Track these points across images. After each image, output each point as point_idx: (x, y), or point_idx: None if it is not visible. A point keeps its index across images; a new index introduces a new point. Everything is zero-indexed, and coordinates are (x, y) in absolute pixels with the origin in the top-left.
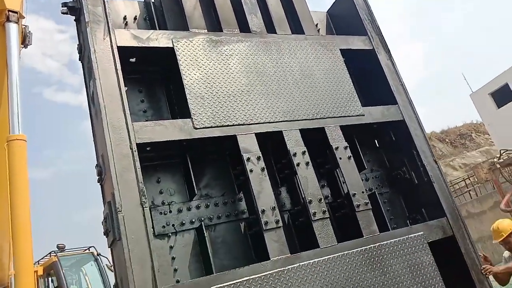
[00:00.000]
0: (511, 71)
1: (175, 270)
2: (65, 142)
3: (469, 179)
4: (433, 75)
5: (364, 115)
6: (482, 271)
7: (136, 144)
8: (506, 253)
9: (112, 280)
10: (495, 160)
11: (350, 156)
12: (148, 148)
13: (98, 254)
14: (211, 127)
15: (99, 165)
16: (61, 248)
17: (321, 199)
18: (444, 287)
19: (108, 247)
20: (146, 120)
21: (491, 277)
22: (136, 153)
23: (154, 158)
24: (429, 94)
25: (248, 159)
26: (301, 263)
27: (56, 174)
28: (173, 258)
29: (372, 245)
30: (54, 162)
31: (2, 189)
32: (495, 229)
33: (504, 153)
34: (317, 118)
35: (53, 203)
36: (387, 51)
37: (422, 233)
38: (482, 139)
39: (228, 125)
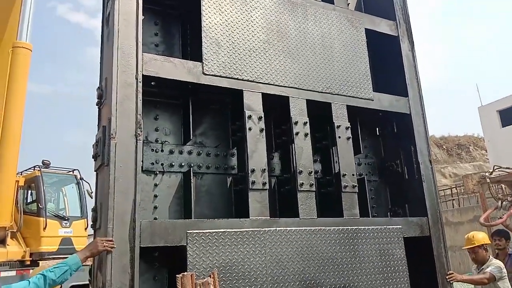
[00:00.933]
0: None
1: (155, 207)
2: (70, 64)
3: (456, 189)
4: (448, 80)
5: (373, 100)
6: (447, 278)
7: (142, 75)
8: (475, 266)
9: (90, 206)
10: (487, 174)
11: (350, 137)
12: (152, 83)
13: (81, 178)
14: (220, 76)
15: (101, 88)
16: (46, 164)
17: (311, 172)
18: (408, 282)
19: (94, 171)
20: (157, 54)
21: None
22: (140, 84)
23: (157, 95)
24: (438, 97)
25: (250, 117)
26: (278, 228)
27: (54, 93)
28: (155, 196)
29: (350, 227)
30: (54, 80)
31: None
32: (469, 237)
33: (497, 170)
34: (326, 93)
35: (45, 120)
36: (411, 41)
37: (400, 227)
38: (479, 153)
39: (237, 79)
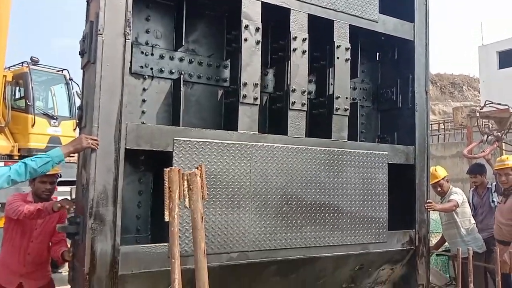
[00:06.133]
0: None
1: (143, 112)
2: None
3: (444, 124)
4: (456, 15)
5: (377, 22)
6: (426, 206)
7: None
8: (439, 198)
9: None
10: (477, 108)
11: (348, 59)
12: None
13: (70, 79)
14: None
15: None
16: (34, 61)
17: (304, 91)
18: (387, 206)
19: (81, 69)
20: None
21: None
22: None
23: None
24: (441, 33)
25: (247, 26)
26: (265, 144)
27: None
28: (143, 101)
29: (336, 149)
30: None
31: None
32: (432, 173)
33: (488, 105)
34: (330, 9)
35: (33, 20)
36: None
37: (386, 153)
38: (471, 94)
39: None
